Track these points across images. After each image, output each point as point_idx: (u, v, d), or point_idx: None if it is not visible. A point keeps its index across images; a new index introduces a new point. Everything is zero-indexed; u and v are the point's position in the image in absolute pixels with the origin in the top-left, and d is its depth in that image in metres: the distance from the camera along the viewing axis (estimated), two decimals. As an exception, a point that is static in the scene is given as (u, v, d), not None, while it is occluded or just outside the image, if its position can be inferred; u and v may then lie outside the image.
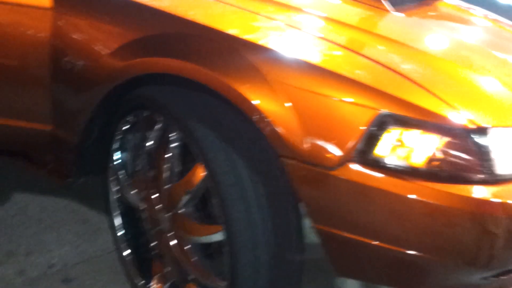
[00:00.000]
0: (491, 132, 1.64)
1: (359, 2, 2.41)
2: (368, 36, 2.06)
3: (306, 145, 1.64)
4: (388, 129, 1.63)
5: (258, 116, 1.68)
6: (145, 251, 2.17)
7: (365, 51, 1.88)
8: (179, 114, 1.86)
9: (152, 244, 2.13)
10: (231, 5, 2.03)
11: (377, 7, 2.39)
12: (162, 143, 2.01)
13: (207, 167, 1.78)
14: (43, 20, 2.08)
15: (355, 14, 2.34)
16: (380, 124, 1.62)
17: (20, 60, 2.15)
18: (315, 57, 1.78)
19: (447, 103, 1.65)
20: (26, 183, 2.85)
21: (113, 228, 2.26)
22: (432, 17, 2.65)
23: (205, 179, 1.82)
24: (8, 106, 2.22)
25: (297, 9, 2.14)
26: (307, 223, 1.76)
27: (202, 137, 1.79)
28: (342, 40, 1.97)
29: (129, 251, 2.22)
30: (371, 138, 1.63)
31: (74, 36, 2.06)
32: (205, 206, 1.92)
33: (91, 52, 2.01)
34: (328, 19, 2.13)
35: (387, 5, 2.39)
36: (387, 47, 1.99)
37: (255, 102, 1.68)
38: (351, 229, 1.67)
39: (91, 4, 2.07)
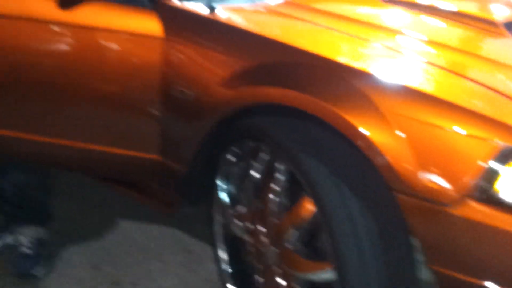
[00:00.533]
0: None
1: (467, 24, 2.31)
2: (482, 61, 1.97)
3: (421, 179, 1.56)
4: (510, 163, 1.52)
5: (369, 147, 1.62)
6: (250, 285, 2.13)
7: (480, 78, 1.79)
8: (287, 145, 1.82)
9: (257, 279, 2.08)
10: (338, 31, 2.01)
11: (489, 30, 2.28)
12: (268, 174, 1.97)
13: (316, 200, 1.72)
14: (154, 49, 2.10)
15: (462, 37, 2.25)
16: (501, 158, 1.52)
17: (130, 89, 2.18)
18: (426, 85, 1.71)
19: None
20: (132, 211, 2.89)
21: (217, 260, 2.23)
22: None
23: (313, 213, 1.77)
24: (116, 134, 2.26)
25: (401, 33, 2.08)
26: (419, 257, 1.67)
27: (310, 169, 1.74)
28: (454, 65, 1.89)
29: (233, 287, 2.19)
30: (492, 174, 1.52)
31: (185, 65, 2.07)
32: (313, 241, 1.86)
33: (201, 82, 2.01)
34: (434, 43, 2.05)
35: (503, 29, 2.28)
36: (503, 73, 1.88)
37: (366, 132, 1.62)
38: (470, 272, 1.56)
39: (202, 33, 2.07)
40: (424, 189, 1.55)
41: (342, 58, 1.80)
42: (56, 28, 2.16)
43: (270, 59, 1.89)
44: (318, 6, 2.30)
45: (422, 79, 1.76)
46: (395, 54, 1.92)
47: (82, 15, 2.13)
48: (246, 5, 2.20)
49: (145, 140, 2.22)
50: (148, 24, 2.11)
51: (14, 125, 2.30)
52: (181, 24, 2.11)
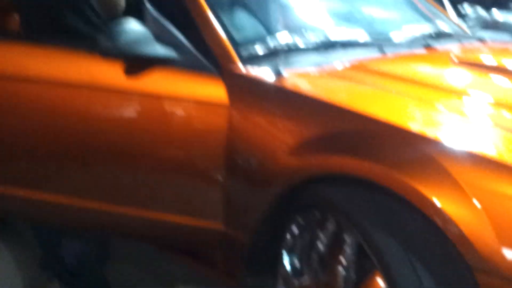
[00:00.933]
0: None
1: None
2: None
3: (504, 258, 1.44)
4: None
5: (444, 220, 1.52)
6: None
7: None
8: (355, 217, 1.73)
9: None
10: (407, 95, 1.95)
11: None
12: (335, 246, 1.88)
13: (387, 276, 1.62)
14: (219, 116, 2.07)
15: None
16: None
17: (194, 156, 2.14)
18: (504, 153, 1.61)
19: None
20: (193, 280, 2.82)
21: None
22: None
23: (385, 290, 1.66)
24: (179, 202, 2.22)
25: (474, 96, 2.00)
26: None
27: (380, 243, 1.64)
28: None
29: None
30: None
31: (250, 132, 2.03)
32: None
33: (267, 149, 1.96)
34: (509, 107, 1.95)
35: None
36: None
37: (440, 204, 1.53)
38: None
39: (268, 99, 2.04)
40: (508, 268, 1.43)
41: (413, 125, 1.72)
42: (122, 96, 2.17)
43: (338, 127, 1.83)
44: (386, 69, 2.24)
45: (498, 146, 1.66)
46: (469, 119, 1.83)
47: (147, 82, 2.14)
48: (312, 70, 2.16)
49: (209, 208, 2.17)
50: (213, 91, 2.09)
51: (77, 193, 2.30)
52: (246, 90, 2.09)
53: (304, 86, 2.04)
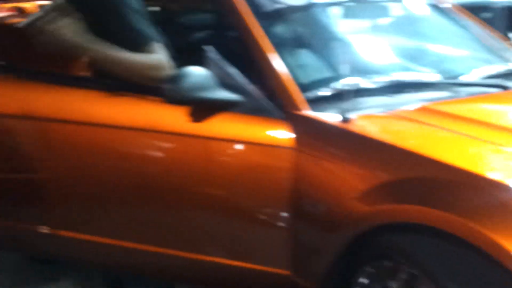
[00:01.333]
0: None
1: None
2: None
3: None
4: None
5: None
6: None
7: None
8: (428, 267, 1.65)
9: None
10: (481, 139, 1.87)
11: None
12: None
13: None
14: (285, 160, 2.03)
15: None
16: None
17: (259, 200, 2.10)
18: None
19: None
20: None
21: None
22: None
23: None
24: (241, 247, 2.18)
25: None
26: None
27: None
28: None
29: None
30: None
31: (317, 177, 1.97)
32: None
33: (334, 195, 1.90)
34: None
35: None
36: None
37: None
38: None
39: (335, 144, 1.99)
40: None
41: (489, 172, 1.64)
42: (185, 140, 2.16)
43: (409, 173, 1.76)
44: (459, 111, 2.15)
45: None
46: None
47: (211, 126, 2.12)
48: (381, 113, 2.09)
49: (272, 253, 2.12)
50: (279, 134, 2.06)
51: (139, 237, 2.29)
52: (313, 134, 2.04)
53: (373, 130, 1.98)
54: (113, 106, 2.26)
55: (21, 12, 3.87)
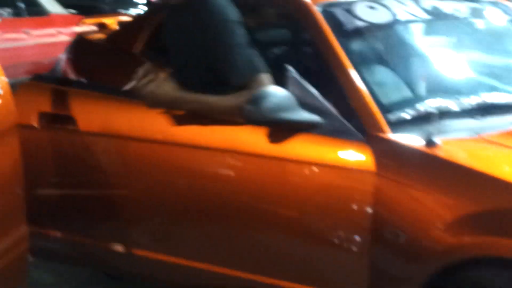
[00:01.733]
0: None
1: None
2: None
3: None
4: None
5: None
6: None
7: None
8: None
9: None
10: None
11: None
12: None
13: None
14: (363, 184, 1.95)
15: None
16: None
17: (336, 223, 2.03)
18: None
19: None
20: None
21: None
22: None
23: None
24: (314, 272, 2.11)
25: None
26: None
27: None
28: None
29: None
30: None
31: (398, 204, 1.89)
32: None
33: (417, 224, 1.82)
34: None
35: None
36: None
37: None
38: None
39: (419, 169, 1.89)
40: None
41: None
42: (263, 162, 2.11)
43: (501, 203, 1.65)
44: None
45: None
46: None
47: (289, 147, 2.07)
48: (468, 137, 1.98)
49: (346, 278, 2.04)
50: (359, 157, 1.98)
51: (206, 257, 2.27)
52: (395, 158, 1.96)
53: (460, 156, 1.88)
54: (192, 126, 2.23)
55: (102, 27, 3.92)
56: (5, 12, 6.43)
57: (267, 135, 2.08)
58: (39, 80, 2.53)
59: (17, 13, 6.84)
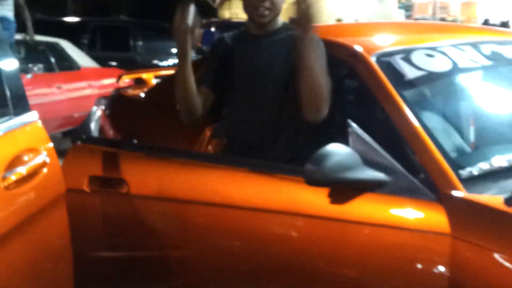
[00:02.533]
0: None
1: None
2: None
3: None
4: None
5: None
6: None
7: None
8: None
9: None
10: None
11: None
12: None
13: None
14: (439, 246, 1.80)
15: None
16: None
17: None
18: None
19: None
20: None
21: None
22: None
23: None
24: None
25: None
26: None
27: None
28: None
29: None
30: None
31: (480, 269, 1.73)
32: None
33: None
34: None
35: None
36: None
37: None
38: None
39: (501, 231, 1.74)
40: None
41: None
42: (326, 224, 1.97)
43: None
44: None
45: None
46: None
47: (354, 208, 1.92)
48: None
49: None
50: (431, 218, 1.84)
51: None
52: (472, 218, 1.81)
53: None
54: (250, 187, 2.11)
55: (140, 82, 3.86)
56: (36, 67, 6.42)
57: (330, 196, 1.94)
58: (88, 142, 2.44)
59: (48, 68, 6.85)
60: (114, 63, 8.83)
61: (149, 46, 9.53)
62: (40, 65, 6.53)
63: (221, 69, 2.35)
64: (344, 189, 1.91)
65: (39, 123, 2.01)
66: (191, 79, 2.25)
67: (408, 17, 20.63)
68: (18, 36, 6.41)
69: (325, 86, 2.14)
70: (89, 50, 9.12)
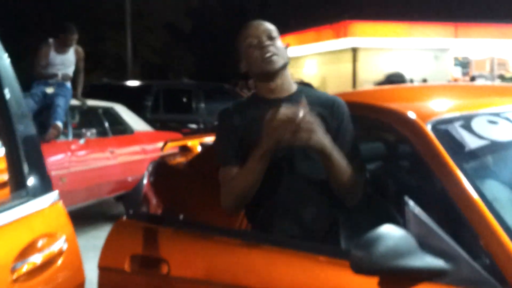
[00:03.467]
0: None
1: None
2: None
3: None
4: None
5: None
6: None
7: None
8: None
9: None
10: None
11: None
12: None
13: None
14: None
15: None
16: None
17: None
18: None
19: None
20: None
21: None
22: None
23: None
24: None
25: None
26: None
27: None
28: None
29: None
30: None
31: None
32: None
33: None
34: None
35: None
36: None
37: None
38: None
39: None
40: None
41: None
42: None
43: None
44: None
45: None
46: None
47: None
48: None
49: None
50: None
51: None
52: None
53: None
54: (296, 273, 1.90)
55: (185, 149, 3.71)
56: (89, 132, 6.40)
57: (381, 286, 1.70)
58: (132, 217, 2.28)
59: (102, 132, 6.83)
60: (176, 125, 8.89)
61: (211, 108, 9.57)
62: (93, 130, 6.52)
63: (237, 143, 2.12)
64: (397, 278, 1.67)
65: (60, 204, 1.83)
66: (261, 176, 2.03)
67: (465, 74, 20.11)
68: (74, 102, 6.43)
69: (352, 175, 1.98)
70: (152, 112, 9.31)
